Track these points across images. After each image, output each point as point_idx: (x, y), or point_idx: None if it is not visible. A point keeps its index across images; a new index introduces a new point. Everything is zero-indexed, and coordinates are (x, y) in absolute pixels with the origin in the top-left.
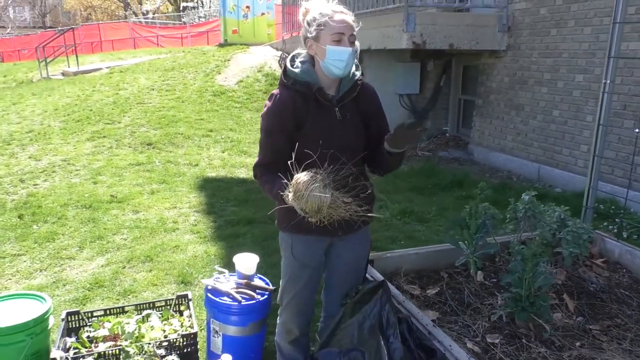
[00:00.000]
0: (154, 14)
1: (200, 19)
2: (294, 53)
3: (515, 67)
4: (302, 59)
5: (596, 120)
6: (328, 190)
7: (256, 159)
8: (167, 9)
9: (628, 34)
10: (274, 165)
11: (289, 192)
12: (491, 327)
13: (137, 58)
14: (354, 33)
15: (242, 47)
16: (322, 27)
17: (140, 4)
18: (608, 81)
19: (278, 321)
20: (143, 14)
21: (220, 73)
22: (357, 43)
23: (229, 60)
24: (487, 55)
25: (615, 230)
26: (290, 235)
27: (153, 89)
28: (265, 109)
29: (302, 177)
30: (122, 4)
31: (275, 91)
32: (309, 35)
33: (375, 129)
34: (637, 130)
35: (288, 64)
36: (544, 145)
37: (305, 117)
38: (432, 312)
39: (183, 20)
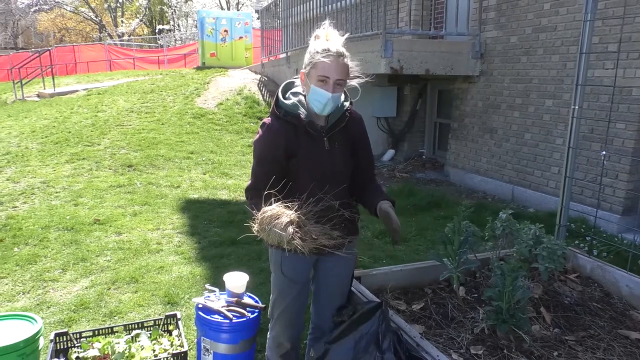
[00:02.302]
0: (129, 36)
1: (177, 42)
2: (288, 82)
3: (488, 92)
4: (294, 90)
5: (566, 144)
6: (290, 228)
7: (248, 182)
8: (143, 31)
9: (593, 62)
10: (264, 190)
11: (255, 223)
12: (474, 339)
13: (115, 80)
14: (342, 78)
15: (221, 70)
16: (313, 66)
17: (116, 26)
18: (576, 107)
19: (269, 336)
20: (118, 36)
21: (199, 96)
22: (354, 82)
23: (208, 83)
24: (461, 80)
25: (586, 248)
26: (280, 252)
27: (132, 111)
28: (257, 136)
29: (268, 211)
30: (97, 26)
31: (267, 120)
32: (304, 68)
33: (360, 153)
34: (603, 152)
35: (280, 95)
36: (517, 167)
37: (296, 147)
38: (419, 326)
39: (159, 42)
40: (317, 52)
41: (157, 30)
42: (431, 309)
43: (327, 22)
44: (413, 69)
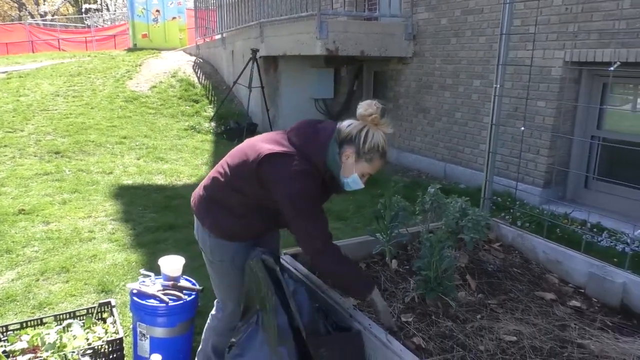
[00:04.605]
0: (53, 15)
1: (106, 22)
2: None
3: (421, 72)
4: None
5: (490, 121)
6: None
7: (317, 232)
8: (68, 10)
9: (516, 43)
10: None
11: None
12: (405, 308)
13: (38, 62)
14: None
15: (154, 52)
16: (368, 160)
17: (37, 4)
18: (498, 85)
19: (222, 315)
20: (41, 16)
21: (131, 78)
22: None
23: (140, 65)
24: (395, 61)
25: (511, 219)
26: (232, 246)
27: (58, 95)
28: (301, 184)
29: None
30: (16, 4)
31: (300, 168)
32: (358, 150)
33: None
34: (522, 128)
35: (330, 153)
36: (448, 145)
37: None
38: (353, 299)
39: (86, 23)
40: (378, 150)
41: (83, 10)
42: None
43: (379, 105)
44: (348, 50)
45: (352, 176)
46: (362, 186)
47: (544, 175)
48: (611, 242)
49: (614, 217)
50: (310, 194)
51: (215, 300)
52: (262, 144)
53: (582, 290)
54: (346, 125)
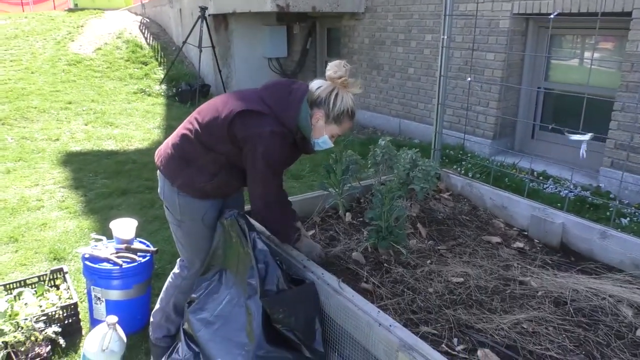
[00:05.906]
0: None
1: None
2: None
3: (374, 28)
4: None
5: (438, 73)
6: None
7: (267, 195)
8: None
9: None
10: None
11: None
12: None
13: None
14: None
15: (96, 12)
16: (337, 121)
17: None
18: (445, 37)
19: (187, 274)
20: None
21: (73, 40)
22: None
23: (82, 26)
24: (348, 17)
25: (463, 171)
26: (202, 205)
27: None
28: (271, 146)
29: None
30: None
31: (271, 129)
32: (328, 112)
33: None
34: (469, 79)
35: (302, 114)
36: (402, 101)
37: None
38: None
39: None
40: (347, 113)
41: None
42: (320, 235)
43: (347, 66)
44: (299, 7)
45: (322, 137)
46: (332, 146)
47: (493, 127)
48: (556, 189)
49: (559, 165)
50: (275, 156)
51: (179, 259)
52: (235, 101)
53: (526, 233)
54: (315, 87)
